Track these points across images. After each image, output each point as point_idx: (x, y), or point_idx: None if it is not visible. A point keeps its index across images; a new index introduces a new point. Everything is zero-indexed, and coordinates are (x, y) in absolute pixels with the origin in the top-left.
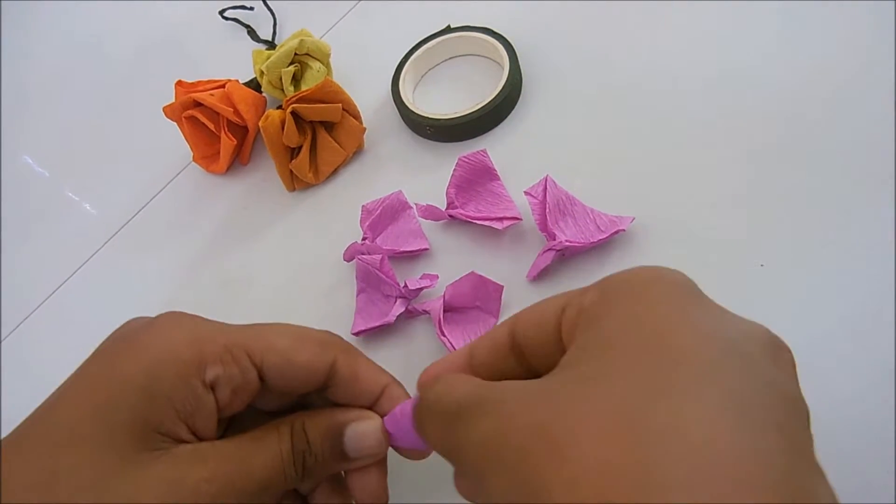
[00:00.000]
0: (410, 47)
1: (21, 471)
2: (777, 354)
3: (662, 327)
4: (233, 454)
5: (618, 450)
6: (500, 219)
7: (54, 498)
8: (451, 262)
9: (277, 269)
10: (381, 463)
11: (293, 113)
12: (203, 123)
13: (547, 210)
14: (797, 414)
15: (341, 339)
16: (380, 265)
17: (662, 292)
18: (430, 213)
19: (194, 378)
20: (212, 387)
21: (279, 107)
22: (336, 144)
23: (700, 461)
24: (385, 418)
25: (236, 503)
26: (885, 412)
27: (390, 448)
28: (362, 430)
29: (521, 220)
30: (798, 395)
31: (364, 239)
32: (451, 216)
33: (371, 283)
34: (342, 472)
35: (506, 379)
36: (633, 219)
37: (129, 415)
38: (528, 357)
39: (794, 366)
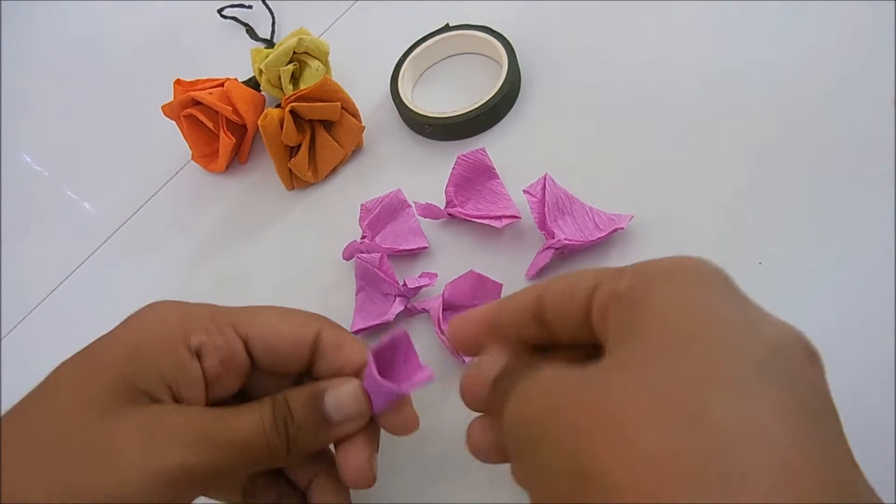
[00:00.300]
0: (409, 46)
1: (8, 418)
2: (812, 358)
3: (710, 319)
4: (213, 413)
5: (678, 437)
6: (499, 217)
7: (27, 440)
8: (450, 261)
9: (276, 268)
10: (369, 439)
11: (292, 111)
12: (202, 122)
13: (546, 208)
14: (836, 418)
15: (325, 316)
16: (379, 264)
17: (706, 283)
18: (429, 211)
19: (180, 344)
20: (197, 355)
21: (278, 105)
22: (335, 143)
23: (757, 454)
24: (364, 382)
25: (215, 463)
26: (884, 411)
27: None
28: (342, 391)
29: (519, 218)
30: (832, 402)
31: (363, 237)
32: (450, 215)
33: (370, 281)
34: (334, 457)
35: (524, 342)
36: (632, 217)
37: (111, 371)
38: (551, 325)
39: (824, 372)
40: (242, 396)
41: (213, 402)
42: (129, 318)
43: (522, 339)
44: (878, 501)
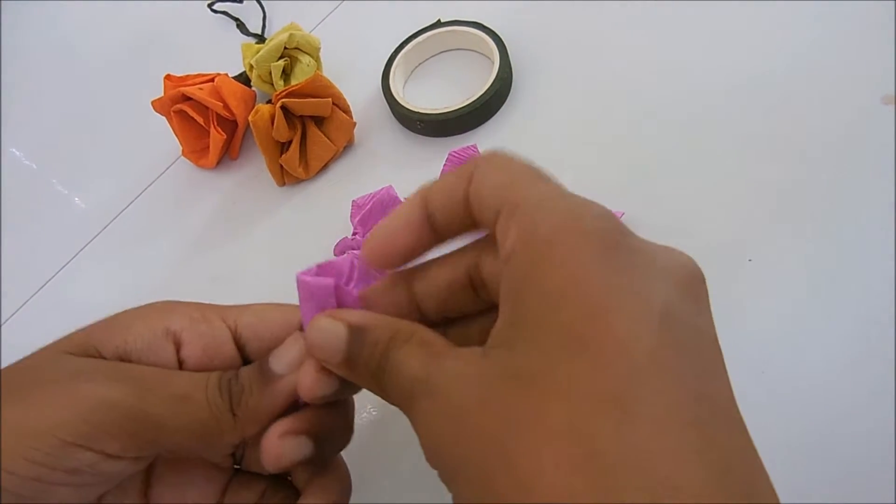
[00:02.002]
0: (400, 42)
1: None
2: (697, 292)
3: (591, 308)
4: (159, 369)
5: (582, 480)
6: None
7: None
8: None
9: (267, 264)
10: (299, 418)
11: (283, 107)
12: (192, 118)
13: None
14: (718, 361)
15: None
16: None
17: (590, 253)
18: None
19: (155, 322)
20: (177, 341)
21: (269, 101)
22: (326, 139)
23: (660, 492)
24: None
25: (144, 407)
26: (881, 409)
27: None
28: (287, 343)
29: None
30: (713, 333)
31: (354, 234)
32: None
33: (361, 277)
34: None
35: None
36: (623, 213)
37: (82, 333)
38: (440, 228)
39: (707, 295)
40: None
41: None
42: None
43: (456, 235)
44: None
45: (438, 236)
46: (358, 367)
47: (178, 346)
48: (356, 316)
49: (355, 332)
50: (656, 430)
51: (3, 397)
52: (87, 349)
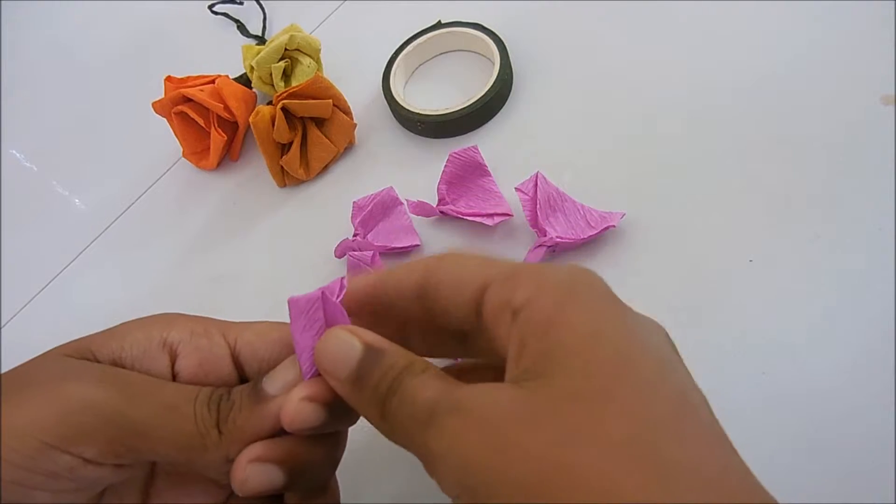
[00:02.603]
0: (401, 43)
1: None
2: (673, 345)
3: (624, 345)
4: (143, 378)
5: (655, 486)
6: (491, 215)
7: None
8: None
9: (268, 265)
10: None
11: (283, 109)
12: (193, 119)
13: (538, 206)
14: (706, 402)
15: None
16: (370, 261)
17: (602, 302)
18: (421, 209)
19: (154, 331)
20: (173, 353)
21: (269, 102)
22: (327, 140)
23: (718, 496)
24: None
25: (128, 412)
26: (881, 409)
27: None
28: (283, 365)
29: (511, 216)
30: (692, 378)
31: (355, 235)
32: (442, 212)
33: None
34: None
35: (404, 322)
36: (624, 214)
37: (79, 342)
38: (435, 311)
39: (676, 348)
40: None
41: None
42: None
43: (400, 318)
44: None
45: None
46: (365, 389)
47: (173, 359)
48: (373, 337)
49: (371, 351)
50: (701, 444)
51: (1, 400)
52: (83, 353)
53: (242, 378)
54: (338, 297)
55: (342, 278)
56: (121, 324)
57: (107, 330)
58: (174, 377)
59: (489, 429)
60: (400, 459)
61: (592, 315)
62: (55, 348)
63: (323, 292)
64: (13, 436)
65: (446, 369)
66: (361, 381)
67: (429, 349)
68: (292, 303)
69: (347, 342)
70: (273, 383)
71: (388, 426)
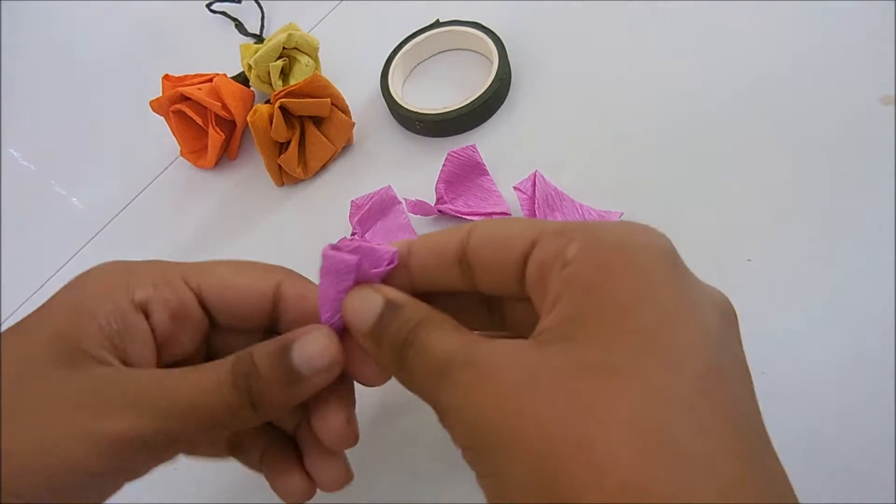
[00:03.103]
0: (399, 42)
1: None
2: (733, 321)
3: (664, 314)
4: (164, 375)
5: (656, 469)
6: (490, 214)
7: None
8: None
9: None
10: (342, 397)
11: (281, 107)
12: (191, 118)
13: (536, 205)
14: (752, 387)
15: (287, 268)
16: None
17: (657, 266)
18: (419, 208)
19: (122, 298)
20: (144, 311)
21: (267, 101)
22: (325, 139)
23: (729, 492)
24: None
25: (164, 429)
26: (881, 408)
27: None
28: (310, 341)
29: (509, 215)
30: (746, 363)
31: (353, 234)
32: (440, 211)
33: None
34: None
35: (439, 287)
36: (622, 213)
37: (49, 332)
38: (476, 274)
39: (738, 325)
40: (208, 359)
41: (171, 364)
42: (72, 279)
43: (439, 284)
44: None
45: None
46: (383, 341)
47: (146, 316)
48: (395, 293)
49: (390, 306)
50: (719, 433)
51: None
52: (71, 354)
53: (211, 319)
54: (385, 267)
55: (394, 252)
56: (74, 290)
57: (69, 308)
58: (153, 332)
59: (503, 390)
60: (399, 460)
61: (636, 282)
62: (30, 346)
63: (359, 262)
64: (54, 470)
65: None
66: (379, 334)
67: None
68: (327, 257)
69: (370, 299)
70: (308, 365)
71: (406, 377)
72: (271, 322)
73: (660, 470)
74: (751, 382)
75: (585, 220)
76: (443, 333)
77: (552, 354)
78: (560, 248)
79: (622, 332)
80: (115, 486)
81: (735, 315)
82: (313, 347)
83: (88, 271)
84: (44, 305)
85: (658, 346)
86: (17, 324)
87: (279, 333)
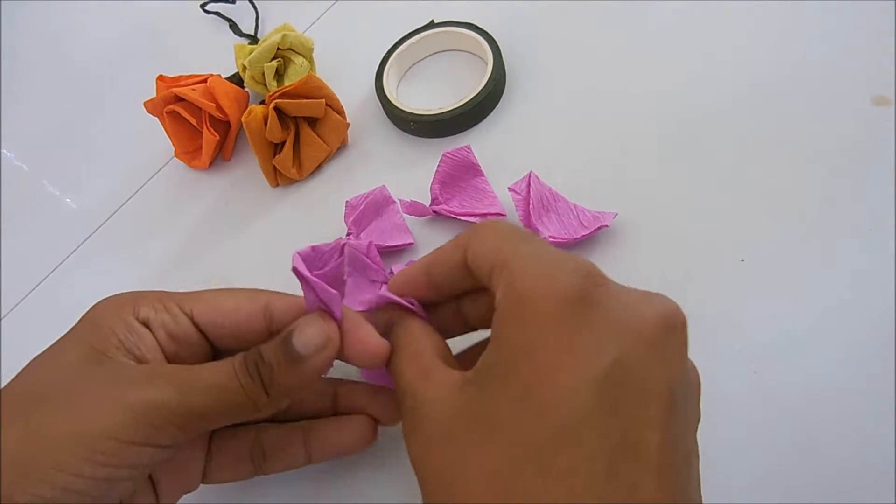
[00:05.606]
0: (394, 42)
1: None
2: (663, 341)
3: (543, 364)
4: (183, 366)
5: None
6: (484, 215)
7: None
8: None
9: (260, 265)
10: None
11: (276, 108)
12: (185, 118)
13: (531, 206)
14: (663, 409)
15: (273, 290)
16: (366, 250)
17: (551, 315)
18: (414, 209)
19: (128, 314)
20: (147, 326)
21: (262, 102)
22: (319, 140)
23: None
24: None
25: (187, 403)
26: (877, 409)
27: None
28: (305, 324)
29: (504, 215)
30: (674, 379)
31: (348, 234)
32: (435, 212)
33: (357, 268)
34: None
35: (456, 290)
36: (617, 214)
37: (77, 342)
38: (443, 289)
39: (684, 339)
40: None
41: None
42: (93, 305)
43: (460, 288)
44: None
45: (440, 295)
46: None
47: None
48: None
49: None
50: (566, 480)
51: (42, 410)
52: (99, 357)
53: (209, 341)
54: (332, 260)
55: (343, 244)
56: (92, 315)
57: (92, 326)
58: (159, 345)
59: (428, 430)
60: (398, 459)
61: (533, 326)
62: (61, 353)
63: (305, 278)
64: (90, 440)
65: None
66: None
67: (478, 321)
68: (302, 257)
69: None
70: (306, 346)
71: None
72: (267, 340)
73: None
74: (662, 402)
75: (519, 253)
76: (405, 364)
77: (466, 399)
78: (495, 288)
79: (507, 382)
80: (149, 459)
81: (672, 326)
82: (309, 329)
83: (105, 298)
84: (72, 328)
85: (533, 396)
86: (55, 342)
87: None
